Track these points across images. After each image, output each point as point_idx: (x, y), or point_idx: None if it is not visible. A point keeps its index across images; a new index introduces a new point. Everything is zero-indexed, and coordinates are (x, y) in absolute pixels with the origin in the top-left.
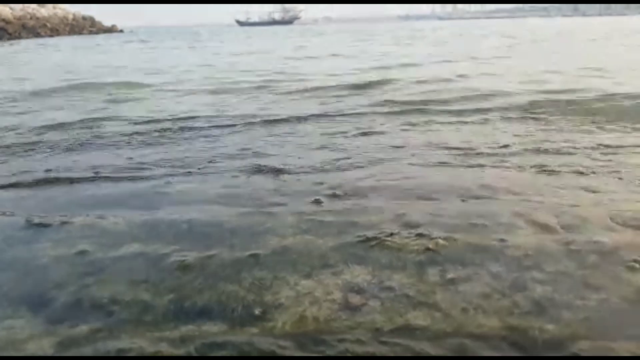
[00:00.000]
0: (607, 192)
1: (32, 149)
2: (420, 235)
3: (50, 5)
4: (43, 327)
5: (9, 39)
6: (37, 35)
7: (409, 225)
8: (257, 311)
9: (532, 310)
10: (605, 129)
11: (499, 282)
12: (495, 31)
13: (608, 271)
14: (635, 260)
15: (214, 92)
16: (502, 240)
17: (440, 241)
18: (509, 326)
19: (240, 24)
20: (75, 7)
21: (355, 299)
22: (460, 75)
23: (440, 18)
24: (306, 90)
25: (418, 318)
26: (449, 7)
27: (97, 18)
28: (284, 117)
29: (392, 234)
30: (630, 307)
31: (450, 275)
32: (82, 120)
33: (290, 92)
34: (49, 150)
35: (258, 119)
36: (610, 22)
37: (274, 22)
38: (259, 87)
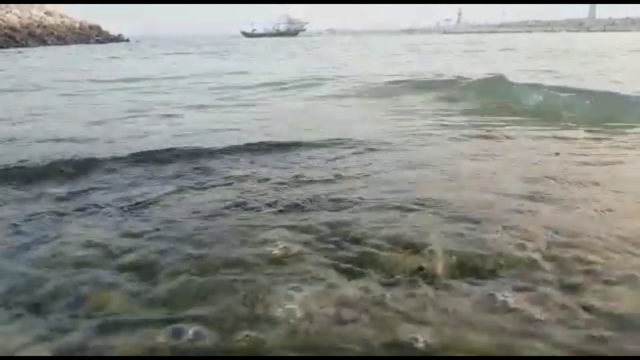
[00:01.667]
0: (601, 210)
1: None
2: (414, 251)
3: (57, 14)
4: (37, 336)
5: (16, 46)
6: (44, 43)
7: (403, 241)
8: (248, 325)
9: (521, 330)
10: None
11: (490, 300)
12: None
13: (598, 290)
14: (625, 279)
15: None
16: (495, 257)
17: (434, 257)
18: (498, 344)
19: (246, 35)
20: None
21: (347, 314)
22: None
23: (446, 32)
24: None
25: (408, 334)
26: (453, 21)
27: (103, 27)
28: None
29: (386, 249)
30: (619, 327)
31: (442, 292)
32: None
33: None
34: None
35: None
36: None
37: (278, 34)
38: None
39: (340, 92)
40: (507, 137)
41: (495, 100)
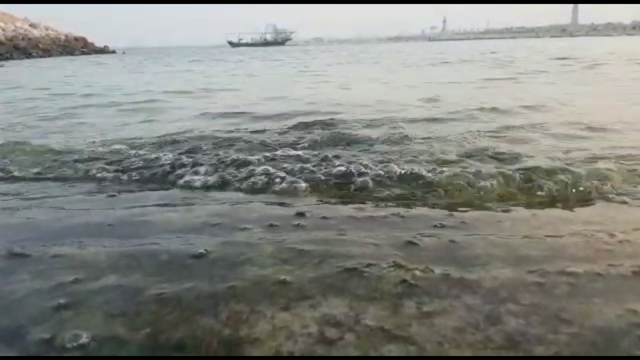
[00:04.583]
0: (585, 222)
1: None
2: (397, 266)
3: (42, 26)
4: None
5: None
6: (29, 56)
7: (386, 256)
8: (232, 346)
9: (504, 345)
10: None
11: (473, 316)
12: None
13: (581, 303)
14: (609, 292)
15: None
16: (478, 271)
17: (417, 272)
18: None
19: (232, 44)
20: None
21: (331, 333)
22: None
23: (431, 39)
24: None
25: (392, 352)
26: (439, 29)
27: (89, 39)
28: None
29: (369, 265)
30: (602, 340)
31: (426, 308)
32: None
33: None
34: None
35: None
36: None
37: (265, 43)
38: None
39: None
40: None
41: None
